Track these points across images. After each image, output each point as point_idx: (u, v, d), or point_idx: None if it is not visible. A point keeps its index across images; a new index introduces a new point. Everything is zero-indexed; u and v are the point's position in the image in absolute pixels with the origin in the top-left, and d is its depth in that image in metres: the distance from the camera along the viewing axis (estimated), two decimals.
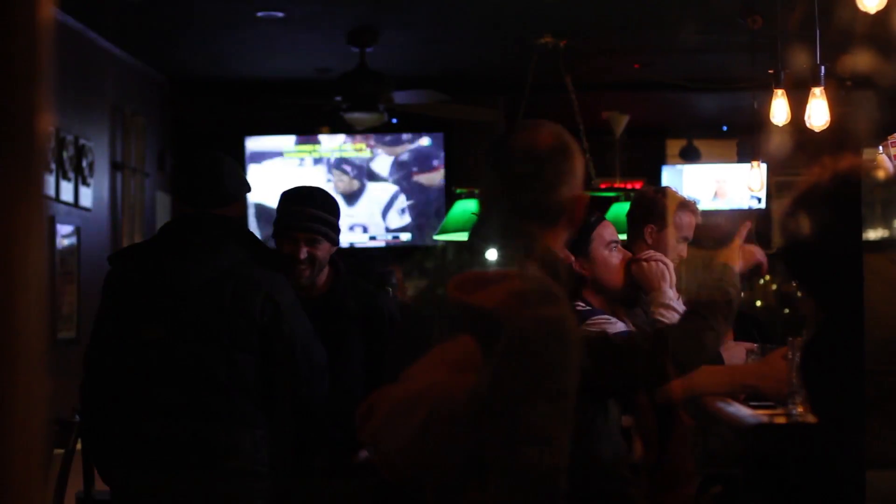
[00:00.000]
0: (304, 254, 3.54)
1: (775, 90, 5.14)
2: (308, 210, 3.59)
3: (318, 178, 8.87)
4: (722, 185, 9.46)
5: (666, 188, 4.11)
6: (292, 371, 3.31)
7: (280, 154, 9.02)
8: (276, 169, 8.97)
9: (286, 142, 9.07)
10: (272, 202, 8.85)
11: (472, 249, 2.25)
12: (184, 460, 3.27)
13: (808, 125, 4.49)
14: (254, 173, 8.85)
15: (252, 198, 8.81)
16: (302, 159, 9.04)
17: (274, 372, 3.31)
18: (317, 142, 9.09)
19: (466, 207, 6.84)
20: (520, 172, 2.17)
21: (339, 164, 9.09)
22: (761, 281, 9.43)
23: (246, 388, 3.30)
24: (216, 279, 3.30)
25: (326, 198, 3.70)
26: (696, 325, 2.65)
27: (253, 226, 8.88)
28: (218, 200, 3.40)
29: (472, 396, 1.84)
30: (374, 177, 9.12)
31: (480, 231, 2.26)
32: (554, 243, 2.16)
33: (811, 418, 2.82)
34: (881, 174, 3.63)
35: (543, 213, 2.15)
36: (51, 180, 6.39)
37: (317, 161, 9.07)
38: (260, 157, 9.00)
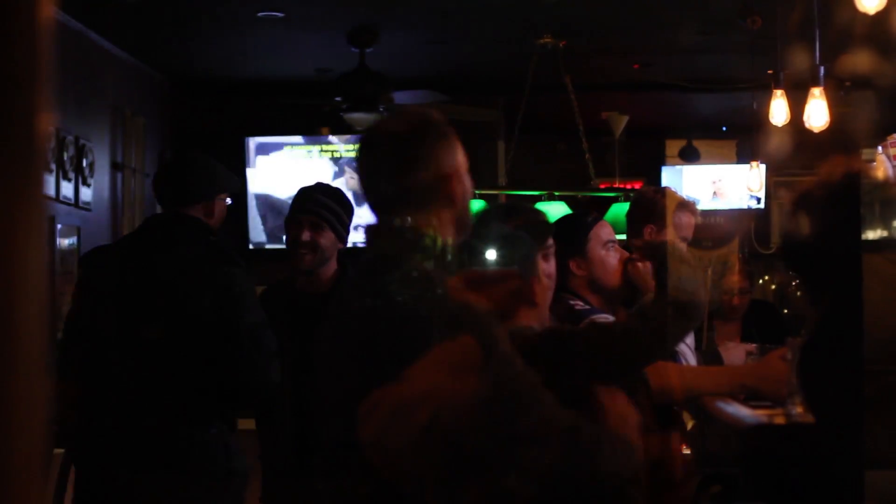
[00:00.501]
0: (305, 236, 3.58)
1: (774, 90, 5.14)
2: (316, 196, 3.66)
3: (325, 170, 8.82)
4: (721, 185, 9.46)
5: (665, 188, 4.12)
6: (245, 360, 3.33)
7: (287, 145, 8.95)
8: (283, 161, 8.92)
9: (293, 138, 9.02)
10: (279, 193, 8.87)
11: (369, 245, 2.29)
12: (138, 459, 3.32)
13: (807, 125, 4.49)
14: (261, 165, 8.84)
15: (256, 188, 8.81)
16: (310, 151, 8.95)
17: (229, 369, 3.34)
18: (325, 142, 9.05)
19: None
20: (378, 161, 2.23)
21: (350, 162, 9.03)
22: (760, 281, 9.42)
23: (200, 387, 3.33)
24: (171, 276, 3.36)
25: (338, 193, 3.75)
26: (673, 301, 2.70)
27: (256, 218, 8.86)
28: (182, 200, 3.48)
29: (476, 401, 1.84)
30: None
31: (368, 228, 2.31)
32: (433, 225, 2.20)
33: (810, 418, 2.82)
34: (880, 174, 3.64)
35: (411, 197, 2.19)
36: (51, 180, 6.40)
37: (323, 152, 9.00)
38: (267, 148, 8.95)
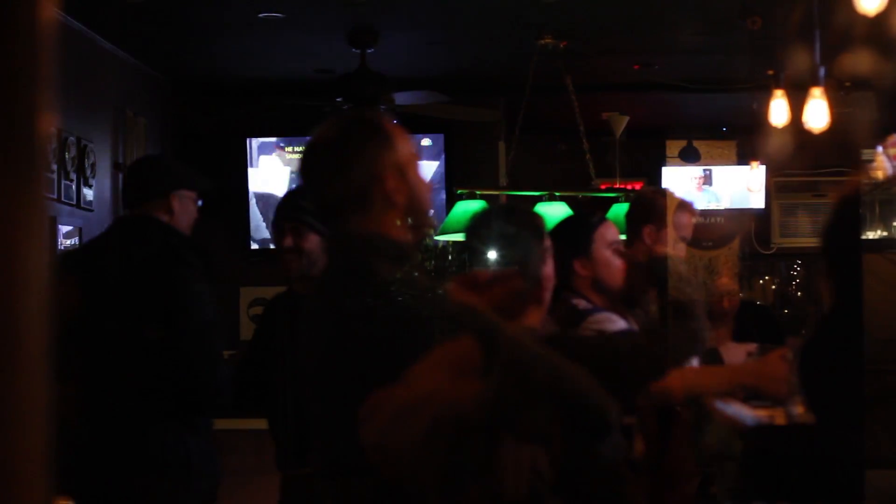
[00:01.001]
0: (288, 242, 3.57)
1: (774, 91, 5.13)
2: (296, 201, 3.64)
3: None
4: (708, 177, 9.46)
5: (665, 189, 4.12)
6: (186, 361, 3.37)
7: (289, 146, 8.95)
8: (285, 161, 8.91)
9: (294, 139, 9.03)
10: (280, 194, 8.84)
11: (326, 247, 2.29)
12: (92, 458, 3.37)
13: (807, 126, 4.48)
14: (262, 165, 8.84)
15: (258, 189, 8.81)
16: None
17: (174, 370, 3.39)
18: None
19: (467, 208, 6.84)
20: (312, 168, 2.21)
21: None
22: (760, 281, 9.42)
23: (152, 388, 3.38)
24: (122, 279, 3.42)
25: None
26: (688, 325, 2.70)
27: (258, 217, 8.86)
28: (135, 200, 3.56)
29: (480, 403, 1.84)
30: None
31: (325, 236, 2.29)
32: (378, 226, 2.16)
33: (811, 418, 2.82)
34: (880, 175, 3.64)
35: (347, 202, 2.16)
36: (53, 181, 6.40)
37: None
38: (268, 148, 8.95)
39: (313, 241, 3.59)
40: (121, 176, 7.51)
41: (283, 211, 3.64)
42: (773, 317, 6.40)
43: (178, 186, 3.62)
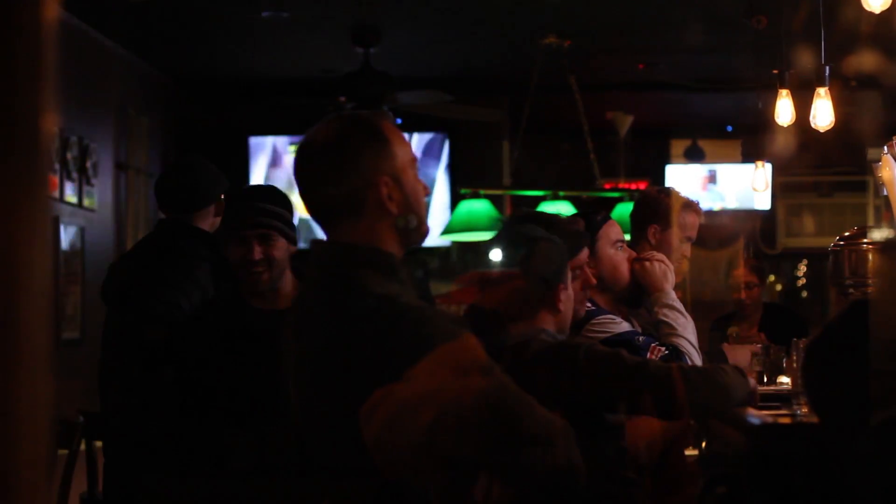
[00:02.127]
0: (257, 254, 3.10)
1: (780, 90, 5.12)
2: (256, 204, 3.16)
3: None
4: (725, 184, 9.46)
5: (669, 188, 4.11)
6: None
7: (291, 145, 8.95)
8: (287, 161, 8.92)
9: (297, 138, 9.04)
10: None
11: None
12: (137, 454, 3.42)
13: (812, 125, 4.48)
14: (264, 165, 8.85)
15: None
16: None
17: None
18: None
19: (471, 207, 6.85)
20: (305, 171, 2.14)
21: None
22: (766, 282, 9.41)
23: (163, 387, 3.38)
24: (140, 280, 3.46)
25: (276, 193, 3.29)
26: (715, 369, 2.74)
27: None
28: (195, 204, 3.55)
29: (482, 402, 1.84)
30: None
31: (312, 241, 2.25)
32: (369, 234, 2.10)
33: (815, 418, 2.82)
34: (885, 175, 3.63)
35: (340, 208, 2.10)
36: (55, 181, 6.40)
37: None
38: (271, 148, 8.96)
39: (281, 248, 3.15)
40: (122, 172, 7.51)
41: (245, 217, 3.14)
42: (798, 317, 6.40)
43: (225, 188, 3.66)
